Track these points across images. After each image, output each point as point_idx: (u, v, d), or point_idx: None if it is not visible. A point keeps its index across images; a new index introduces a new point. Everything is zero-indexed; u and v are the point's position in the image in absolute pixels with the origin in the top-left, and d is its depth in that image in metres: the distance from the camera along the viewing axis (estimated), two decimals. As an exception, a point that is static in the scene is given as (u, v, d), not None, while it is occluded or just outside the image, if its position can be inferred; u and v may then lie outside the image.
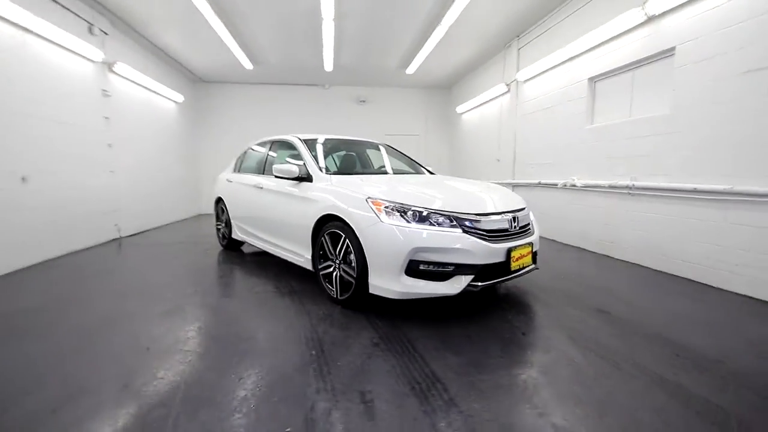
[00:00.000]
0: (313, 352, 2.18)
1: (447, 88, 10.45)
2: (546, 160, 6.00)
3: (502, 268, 2.62)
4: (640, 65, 4.25)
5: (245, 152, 4.99)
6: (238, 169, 4.96)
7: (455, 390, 1.80)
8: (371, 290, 2.62)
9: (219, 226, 5.24)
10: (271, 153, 4.31)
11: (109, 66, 5.62)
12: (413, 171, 4.21)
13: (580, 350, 2.22)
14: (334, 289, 2.94)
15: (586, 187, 5.02)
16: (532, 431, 1.51)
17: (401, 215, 2.55)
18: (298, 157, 4.08)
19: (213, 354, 2.16)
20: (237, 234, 4.71)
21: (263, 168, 4.26)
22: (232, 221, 4.80)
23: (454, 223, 2.54)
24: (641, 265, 4.17)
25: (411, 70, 8.35)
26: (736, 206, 3.20)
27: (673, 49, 3.77)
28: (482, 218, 2.62)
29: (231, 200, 4.79)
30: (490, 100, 7.93)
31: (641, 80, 4.29)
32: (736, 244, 3.20)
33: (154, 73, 7.06)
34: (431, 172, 4.29)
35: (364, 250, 2.61)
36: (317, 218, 3.05)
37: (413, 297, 2.50)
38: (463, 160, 9.62)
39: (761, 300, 3.02)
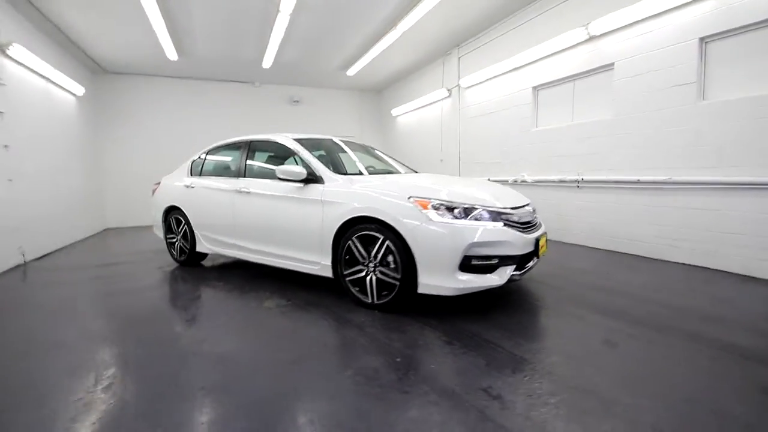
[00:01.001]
0: (399, 359, 2.08)
1: (378, 91, 10.65)
2: (493, 159, 6.58)
3: (531, 257, 2.84)
4: (582, 77, 4.98)
5: (205, 154, 4.41)
6: (199, 172, 4.36)
7: (563, 370, 1.91)
8: (421, 290, 2.59)
9: (172, 240, 4.53)
10: (250, 155, 3.90)
11: (2, 48, 4.40)
12: (400, 170, 4.23)
13: (588, 310, 2.55)
14: (368, 294, 2.83)
15: (537, 182, 5.67)
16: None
17: (449, 212, 2.58)
18: (285, 158, 3.81)
19: (294, 383, 1.90)
20: (204, 246, 4.14)
21: (242, 171, 3.82)
22: (196, 232, 4.19)
23: (495, 217, 2.67)
24: (592, 247, 4.90)
25: (352, 71, 8.33)
26: (674, 193, 3.99)
27: (612, 64, 4.51)
28: (515, 211, 2.80)
29: (194, 208, 4.19)
30: (431, 103, 8.36)
31: (582, 89, 5.03)
32: (675, 223, 4.00)
33: (52, 59, 5.73)
34: (415, 171, 4.37)
35: (413, 250, 2.56)
36: (342, 221, 2.89)
37: (466, 292, 2.55)
38: (402, 161, 9.93)
39: (698, 266, 3.83)
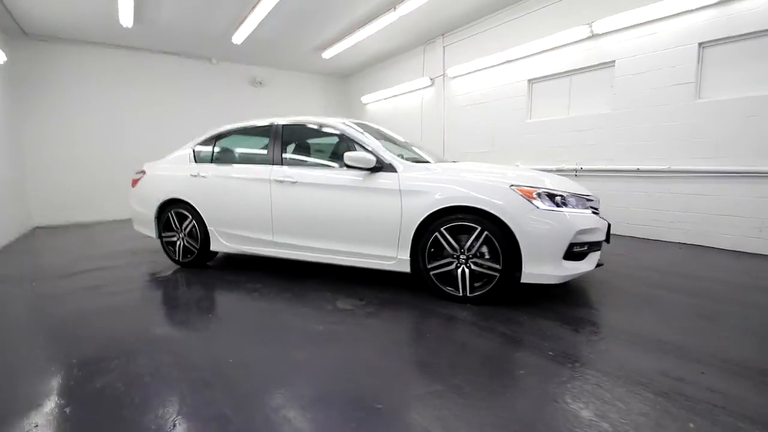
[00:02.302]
0: (550, 353, 2.02)
1: (345, 77, 10.26)
2: (482, 148, 6.77)
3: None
4: (581, 72, 5.32)
5: (214, 139, 3.81)
6: (210, 159, 3.76)
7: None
8: (524, 279, 2.55)
9: (172, 238, 3.86)
10: (286, 140, 3.45)
11: None
12: (429, 158, 4.06)
13: (658, 289, 2.80)
14: (458, 288, 2.71)
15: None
16: None
17: (551, 201, 2.57)
18: (332, 144, 3.48)
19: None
20: (221, 244, 3.60)
21: (277, 158, 3.37)
22: (210, 229, 3.62)
23: (585, 204, 2.74)
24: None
25: (329, 54, 7.86)
26: (672, 180, 4.50)
27: (613, 62, 4.89)
28: (591, 199, 2.91)
29: (208, 201, 3.61)
30: (409, 92, 8.28)
31: (580, 84, 5.39)
32: (673, 207, 4.52)
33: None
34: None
35: (518, 240, 2.51)
36: (430, 212, 2.71)
37: (569, 279, 2.59)
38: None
39: (694, 244, 4.40)
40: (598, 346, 2.11)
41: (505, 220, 2.53)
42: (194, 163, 3.80)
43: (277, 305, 2.84)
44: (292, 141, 3.52)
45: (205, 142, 3.88)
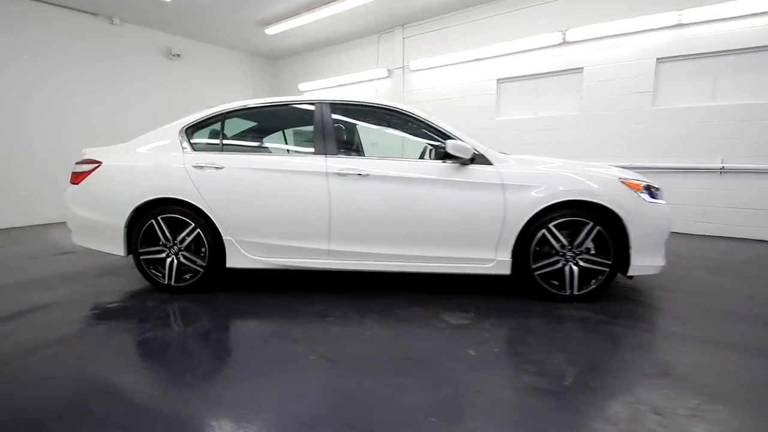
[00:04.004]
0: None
1: (276, 59, 9.17)
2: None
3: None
4: (551, 76, 5.74)
5: (222, 118, 2.88)
6: (220, 147, 2.83)
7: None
8: (631, 272, 2.57)
9: (159, 255, 2.78)
10: (336, 123, 2.78)
11: None
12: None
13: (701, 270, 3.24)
14: (565, 286, 2.59)
15: (502, 167, 6.26)
16: None
17: (650, 193, 2.63)
18: (382, 132, 3.00)
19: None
20: (244, 258, 2.73)
21: (330, 145, 2.70)
22: (226, 239, 2.72)
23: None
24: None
25: (273, 31, 6.86)
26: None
27: (582, 68, 5.41)
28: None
29: (226, 201, 2.70)
30: (360, 82, 7.82)
31: (548, 87, 5.82)
32: (634, 198, 5.25)
33: None
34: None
35: (629, 233, 2.51)
36: (540, 208, 2.51)
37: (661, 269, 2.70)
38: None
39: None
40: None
41: (620, 214, 2.50)
42: (192, 152, 2.80)
43: (377, 330, 2.26)
44: (344, 125, 2.88)
45: (203, 124, 2.90)
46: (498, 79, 6.16)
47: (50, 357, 1.95)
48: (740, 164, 4.54)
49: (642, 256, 2.56)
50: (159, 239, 2.77)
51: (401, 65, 7.13)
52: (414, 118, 2.80)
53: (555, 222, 2.54)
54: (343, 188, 2.62)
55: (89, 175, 2.84)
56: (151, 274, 2.83)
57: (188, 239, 2.75)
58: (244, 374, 1.79)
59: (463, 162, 2.60)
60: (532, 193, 2.54)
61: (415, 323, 2.34)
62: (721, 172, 4.66)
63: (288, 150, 2.93)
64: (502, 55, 6.03)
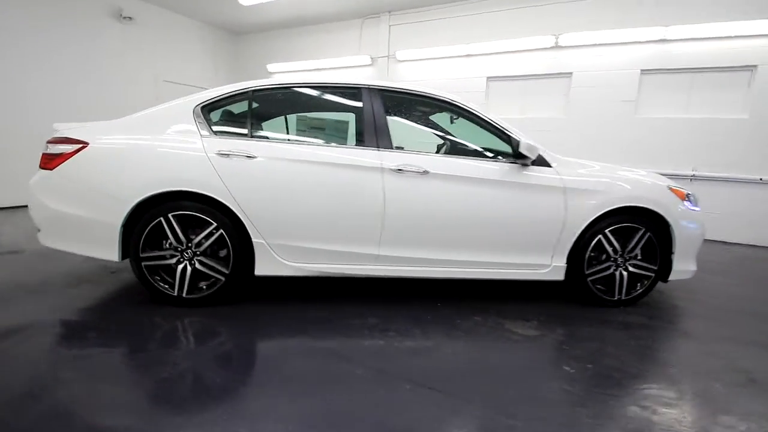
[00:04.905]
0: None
1: (240, 34, 8.31)
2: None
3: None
4: (540, 78, 5.85)
5: (249, 99, 2.42)
6: (249, 132, 2.38)
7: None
8: (673, 277, 2.64)
9: (168, 261, 2.27)
10: (388, 112, 2.47)
11: None
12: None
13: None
14: (614, 291, 2.60)
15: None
16: None
17: (690, 201, 2.72)
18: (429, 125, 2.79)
19: None
20: (278, 264, 2.34)
21: (385, 138, 2.40)
22: (261, 242, 2.30)
23: None
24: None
25: (250, 1, 6.14)
26: (615, 179, 5.52)
27: (571, 73, 5.58)
28: None
29: (260, 197, 2.28)
30: (339, 68, 7.36)
31: (537, 88, 5.93)
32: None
33: None
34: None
35: (675, 239, 2.57)
36: (600, 213, 2.47)
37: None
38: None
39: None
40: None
41: (669, 221, 2.55)
42: (212, 136, 2.31)
43: (452, 345, 2.05)
44: (396, 116, 2.58)
45: (223, 102, 2.41)
46: (488, 77, 6.16)
47: (30, 420, 1.44)
48: (709, 173, 5.02)
49: (682, 262, 2.64)
50: (168, 241, 2.26)
51: (386, 54, 6.83)
52: (471, 112, 2.59)
53: (611, 228, 2.52)
54: (400, 186, 2.34)
55: (70, 159, 2.22)
56: (152, 283, 2.30)
57: (207, 242, 2.27)
58: (344, 421, 1.48)
59: (525, 163, 2.48)
60: (593, 198, 2.49)
61: (484, 335, 2.17)
62: (691, 180, 5.11)
63: (337, 139, 2.57)
64: (493, 54, 6.02)
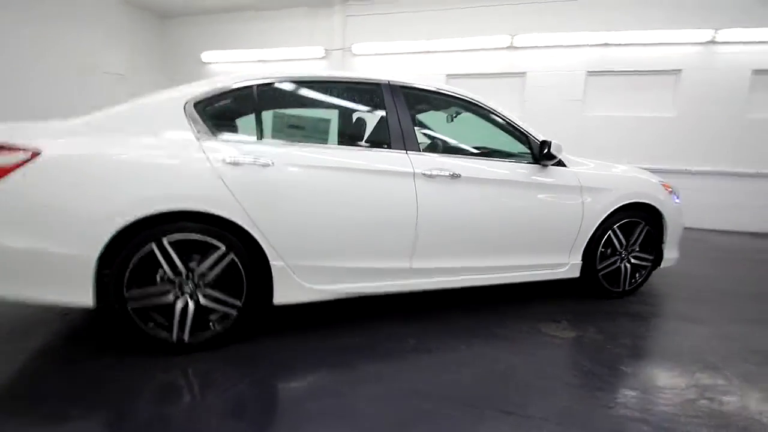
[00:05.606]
0: None
1: (164, 17, 7.28)
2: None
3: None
4: (497, 77, 6.04)
5: (257, 95, 2.04)
6: (260, 133, 2.02)
7: None
8: (664, 265, 2.87)
9: (165, 299, 1.81)
10: (412, 112, 2.28)
11: None
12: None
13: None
14: (619, 284, 2.74)
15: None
16: None
17: (674, 194, 2.96)
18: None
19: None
20: (301, 289, 2.01)
21: (412, 140, 2.20)
22: (275, 264, 1.94)
23: None
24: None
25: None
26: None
27: (525, 73, 5.85)
28: None
29: (279, 213, 1.92)
30: (288, 59, 6.83)
31: (492, 86, 6.12)
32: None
33: None
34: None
35: (667, 231, 2.80)
36: (612, 210, 2.58)
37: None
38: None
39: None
40: None
41: (664, 214, 2.76)
42: (211, 139, 1.89)
43: (503, 358, 1.95)
44: (419, 115, 2.38)
45: (222, 98, 1.99)
46: (447, 75, 6.19)
47: None
48: (641, 165, 5.63)
49: (671, 251, 2.89)
50: (162, 274, 1.81)
51: (341, 47, 6.50)
52: (493, 112, 2.54)
53: (619, 223, 2.64)
54: (432, 192, 2.16)
55: (12, 173, 1.64)
56: (141, 328, 1.81)
57: (213, 271, 1.86)
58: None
59: (546, 164, 2.48)
60: (605, 196, 2.58)
61: (526, 341, 2.12)
62: (630, 171, 5.71)
63: (357, 141, 2.29)
64: (452, 51, 6.07)
